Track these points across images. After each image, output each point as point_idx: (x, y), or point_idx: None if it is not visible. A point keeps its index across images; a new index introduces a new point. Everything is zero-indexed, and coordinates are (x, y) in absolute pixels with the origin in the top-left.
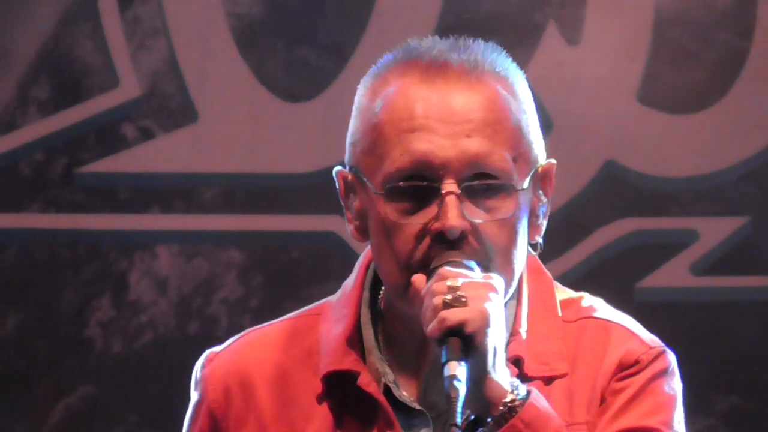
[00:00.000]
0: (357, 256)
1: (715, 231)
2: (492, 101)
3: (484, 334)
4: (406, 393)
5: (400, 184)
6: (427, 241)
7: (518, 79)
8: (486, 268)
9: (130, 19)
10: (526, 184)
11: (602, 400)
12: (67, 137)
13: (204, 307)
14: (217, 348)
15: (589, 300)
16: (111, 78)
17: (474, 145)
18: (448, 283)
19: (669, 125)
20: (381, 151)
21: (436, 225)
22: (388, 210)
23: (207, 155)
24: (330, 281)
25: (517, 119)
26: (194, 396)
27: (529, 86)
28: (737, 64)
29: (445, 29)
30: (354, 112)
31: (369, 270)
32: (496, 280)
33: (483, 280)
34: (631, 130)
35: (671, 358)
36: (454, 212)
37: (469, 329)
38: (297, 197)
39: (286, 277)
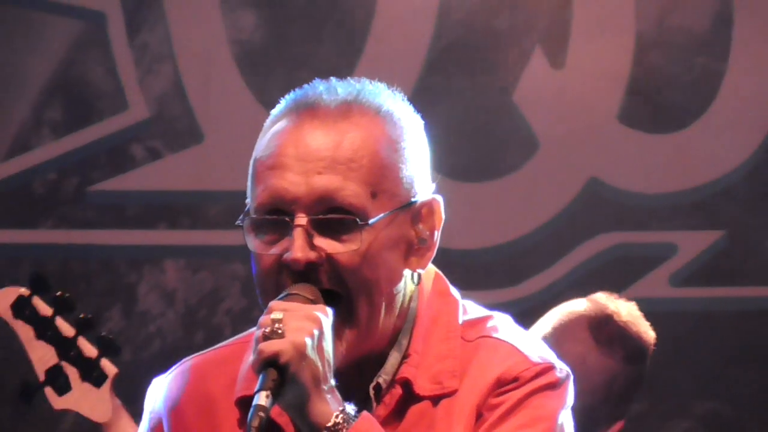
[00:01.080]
0: None
1: (692, 244)
2: (351, 141)
3: (299, 364)
4: None
5: (259, 217)
6: (284, 272)
7: (398, 122)
8: (347, 298)
9: (138, 45)
10: (382, 219)
11: (479, 416)
12: (79, 157)
13: (209, 318)
14: (161, 376)
15: (496, 321)
16: (120, 101)
17: (324, 181)
18: (272, 315)
19: (649, 144)
20: (252, 187)
21: (285, 256)
22: (255, 242)
23: (212, 174)
24: None
25: (384, 158)
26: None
27: (517, 108)
28: (714, 86)
29: (435, 56)
30: None
31: None
32: (322, 312)
33: (305, 312)
34: (612, 148)
35: (561, 374)
36: (299, 244)
37: (282, 359)
38: None
39: None
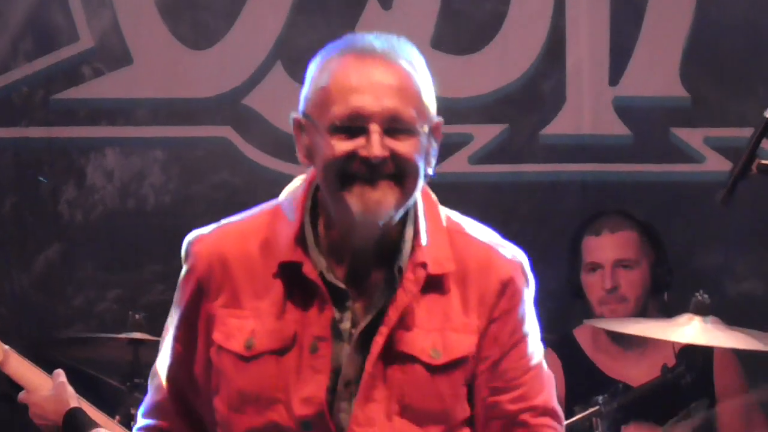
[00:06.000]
0: (241, 153)
1: (484, 134)
2: (401, 75)
3: None
4: (336, 276)
5: (341, 123)
6: (356, 162)
7: (419, 63)
8: (400, 184)
9: None
10: (425, 131)
11: (491, 310)
12: (44, 76)
13: (138, 190)
14: (203, 231)
15: (458, 216)
16: (73, 35)
17: (390, 102)
18: None
19: (453, 64)
20: (328, 104)
21: (364, 152)
22: (333, 141)
23: (139, 86)
24: (223, 170)
25: (418, 88)
26: (185, 267)
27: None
28: (498, 23)
29: (299, 5)
30: (307, 80)
31: (312, 186)
32: None
33: None
34: (427, 67)
35: (524, 260)
36: (377, 144)
37: None
38: (202, 113)
39: (194, 168)
